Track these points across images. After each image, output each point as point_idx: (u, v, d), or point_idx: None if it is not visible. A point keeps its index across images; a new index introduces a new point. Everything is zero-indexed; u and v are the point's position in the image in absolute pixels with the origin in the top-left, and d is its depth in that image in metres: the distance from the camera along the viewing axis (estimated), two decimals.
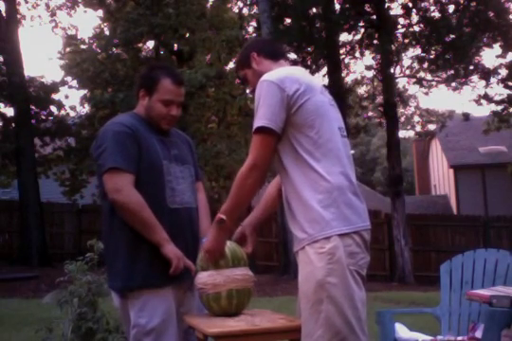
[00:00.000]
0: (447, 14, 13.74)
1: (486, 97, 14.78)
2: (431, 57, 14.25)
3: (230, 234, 2.20)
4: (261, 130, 1.99)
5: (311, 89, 2.03)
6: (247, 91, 16.29)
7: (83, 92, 16.75)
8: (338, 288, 1.88)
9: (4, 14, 13.96)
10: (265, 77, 2.04)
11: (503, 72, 14.32)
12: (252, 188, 2.03)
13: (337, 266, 1.90)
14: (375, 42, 14.17)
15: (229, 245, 2.18)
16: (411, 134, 29.27)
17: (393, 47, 13.85)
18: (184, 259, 2.20)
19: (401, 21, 14.60)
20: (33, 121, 14.49)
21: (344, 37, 15.72)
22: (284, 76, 2.02)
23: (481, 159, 20.35)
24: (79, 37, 17.09)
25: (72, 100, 57.95)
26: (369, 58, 42.72)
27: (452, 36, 13.23)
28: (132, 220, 2.17)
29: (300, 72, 2.13)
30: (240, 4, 17.33)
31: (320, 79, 14.40)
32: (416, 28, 14.37)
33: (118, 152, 2.20)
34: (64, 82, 16.17)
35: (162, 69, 2.41)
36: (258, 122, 1.99)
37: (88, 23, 59.28)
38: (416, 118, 19.78)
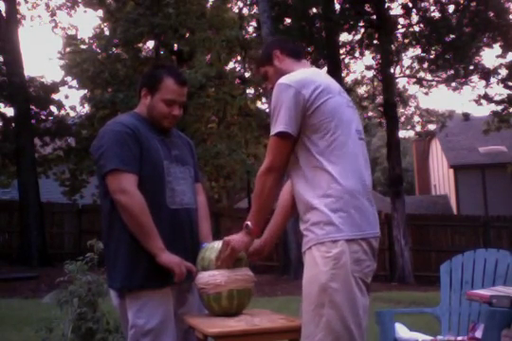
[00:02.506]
0: (447, 14, 13.74)
1: (486, 97, 14.78)
2: (431, 57, 14.24)
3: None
4: (278, 134, 1.99)
5: (328, 91, 2.02)
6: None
7: (83, 92, 16.77)
8: (340, 293, 1.88)
9: (4, 14, 13.96)
10: (281, 79, 2.03)
11: (503, 72, 14.32)
12: (271, 191, 2.04)
13: (341, 272, 1.89)
14: (375, 42, 14.16)
15: None
16: (411, 134, 29.34)
17: (393, 47, 13.84)
18: (183, 263, 2.19)
19: (401, 21, 14.61)
20: (33, 121, 14.49)
21: (344, 37, 15.71)
22: (302, 78, 2.02)
23: (481, 159, 20.34)
24: (79, 37, 17.11)
25: (72, 100, 57.90)
26: (369, 58, 42.79)
27: (452, 36, 13.22)
28: (130, 222, 2.16)
29: (318, 74, 2.12)
30: (240, 4, 17.37)
31: None
32: (416, 28, 14.37)
33: (120, 152, 2.19)
34: (64, 82, 16.18)
35: (165, 69, 2.41)
36: (276, 127, 1.99)
37: (88, 23, 59.30)
38: (416, 118, 19.81)
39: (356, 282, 1.91)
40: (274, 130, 2.01)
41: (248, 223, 2.07)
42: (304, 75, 2.06)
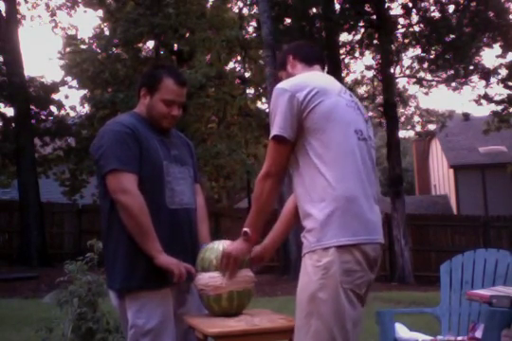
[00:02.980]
0: (447, 14, 13.73)
1: (486, 97, 14.77)
2: (431, 57, 14.23)
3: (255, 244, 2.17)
4: (274, 138, 2.01)
5: (324, 93, 2.01)
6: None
7: (83, 92, 16.77)
8: (327, 304, 1.86)
9: (4, 14, 13.96)
10: (279, 84, 2.06)
11: (503, 72, 14.31)
12: (270, 195, 2.03)
13: (329, 282, 1.86)
14: (375, 42, 14.16)
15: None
16: (411, 134, 29.34)
17: (393, 47, 13.84)
18: (181, 264, 2.18)
19: (401, 21, 14.60)
20: (33, 121, 14.49)
21: (344, 37, 15.71)
22: (297, 82, 2.03)
23: (481, 159, 20.33)
24: (79, 37, 17.12)
25: (72, 100, 57.79)
26: (369, 58, 42.75)
27: (452, 36, 13.21)
28: (129, 223, 2.16)
29: (315, 77, 2.12)
30: (240, 4, 17.38)
31: None
32: (416, 28, 14.36)
33: (120, 152, 2.19)
34: (64, 82, 16.18)
35: (165, 69, 2.41)
36: (272, 131, 2.01)
37: (88, 23, 59.23)
38: (416, 118, 19.83)
39: (345, 294, 1.87)
40: (271, 134, 2.03)
41: (247, 229, 2.07)
42: (301, 79, 2.07)
